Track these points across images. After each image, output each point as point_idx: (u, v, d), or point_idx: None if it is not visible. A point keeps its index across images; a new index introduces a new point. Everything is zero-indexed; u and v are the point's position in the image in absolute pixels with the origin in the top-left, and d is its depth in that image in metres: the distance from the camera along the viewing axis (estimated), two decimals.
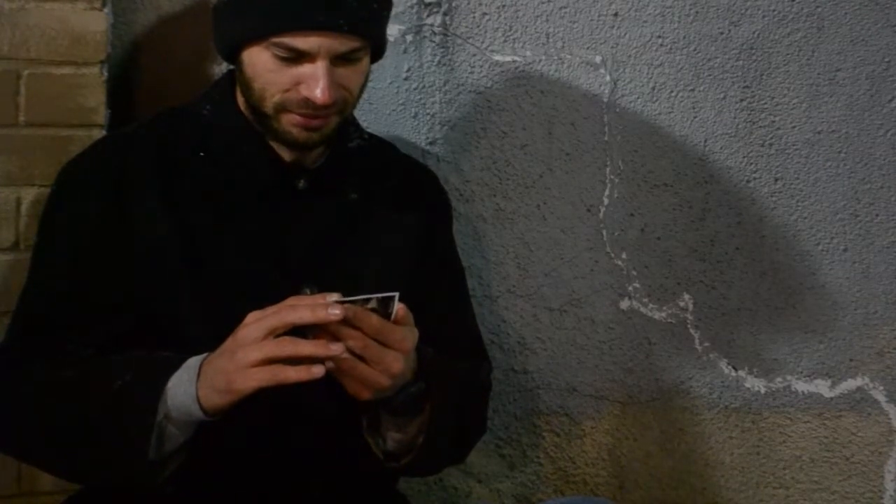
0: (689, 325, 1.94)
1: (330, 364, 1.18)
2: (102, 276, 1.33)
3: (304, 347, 1.17)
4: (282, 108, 1.33)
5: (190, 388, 1.21)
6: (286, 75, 1.31)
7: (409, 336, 1.25)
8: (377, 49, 1.39)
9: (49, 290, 1.35)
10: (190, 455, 1.27)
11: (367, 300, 1.20)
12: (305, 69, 1.30)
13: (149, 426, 1.21)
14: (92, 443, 1.24)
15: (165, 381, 1.22)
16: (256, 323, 1.19)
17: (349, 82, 1.34)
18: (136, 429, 1.21)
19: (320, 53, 1.29)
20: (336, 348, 1.17)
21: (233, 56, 1.36)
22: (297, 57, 1.30)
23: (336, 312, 1.17)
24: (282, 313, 1.18)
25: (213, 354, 1.22)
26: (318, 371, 1.16)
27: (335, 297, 1.19)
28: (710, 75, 1.92)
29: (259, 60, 1.31)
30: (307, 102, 1.31)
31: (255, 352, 1.17)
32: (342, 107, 1.35)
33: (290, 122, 1.34)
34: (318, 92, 1.29)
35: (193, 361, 1.23)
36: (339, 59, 1.31)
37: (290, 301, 1.20)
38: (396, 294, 1.22)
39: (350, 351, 1.20)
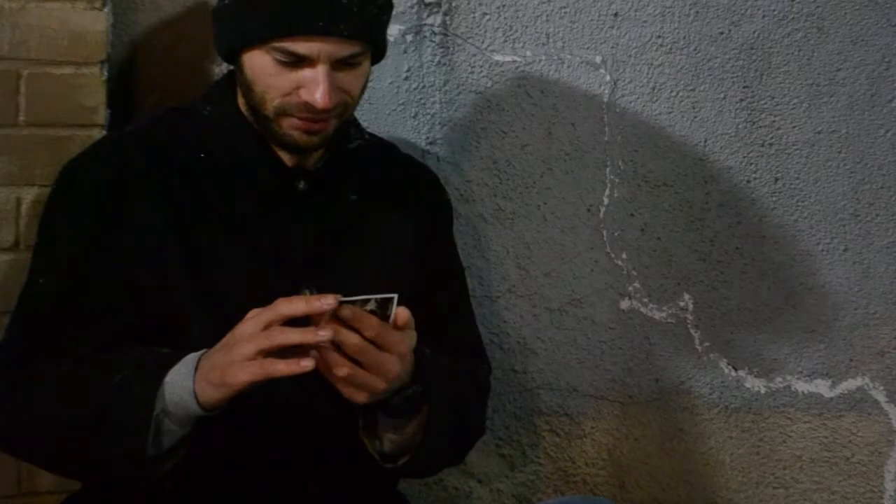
0: (689, 325, 1.94)
1: (315, 353, 1.18)
2: (102, 276, 1.33)
3: (293, 335, 1.16)
4: (282, 112, 1.33)
5: (187, 381, 1.21)
6: (286, 79, 1.31)
7: (406, 339, 1.25)
8: (378, 52, 1.39)
9: (49, 289, 1.35)
10: (188, 453, 1.27)
11: (366, 301, 1.20)
12: (306, 73, 1.30)
13: (146, 420, 1.21)
14: (91, 438, 1.24)
15: (163, 375, 1.22)
16: (253, 318, 1.19)
17: (349, 86, 1.34)
18: (133, 423, 1.21)
19: (321, 58, 1.29)
20: (324, 334, 1.16)
21: (233, 58, 1.36)
22: (298, 61, 1.30)
23: (329, 302, 1.16)
24: (277, 306, 1.18)
25: (212, 349, 1.22)
26: (307, 364, 1.15)
27: (333, 298, 1.18)
28: (710, 75, 1.92)
29: (259, 64, 1.31)
30: (307, 106, 1.31)
31: (249, 345, 1.17)
32: (342, 110, 1.35)
33: (290, 126, 1.34)
34: (319, 96, 1.29)
35: (192, 356, 1.24)
36: (339, 64, 1.31)
37: (285, 308, 1.20)
38: (395, 296, 1.22)
39: (345, 354, 1.20)
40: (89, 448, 1.25)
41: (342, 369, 1.19)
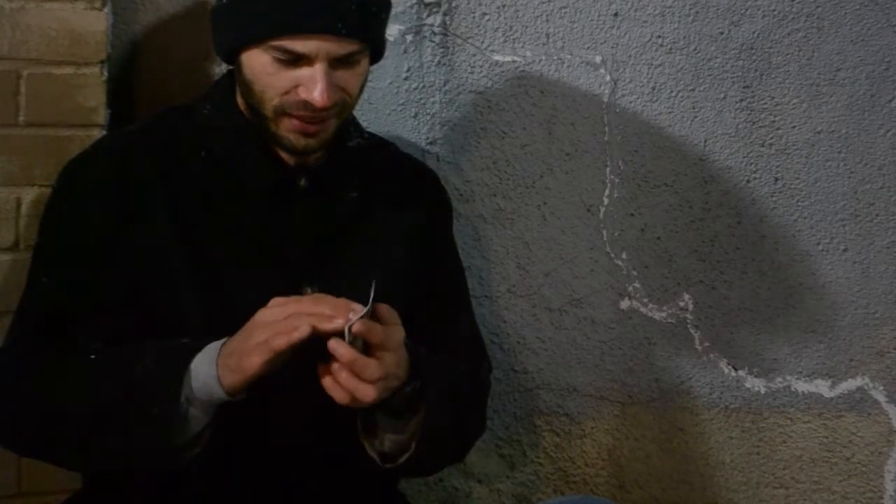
0: (689, 325, 1.94)
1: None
2: (105, 276, 1.34)
3: (306, 324, 1.19)
4: (281, 112, 1.33)
5: (211, 368, 1.22)
6: (285, 78, 1.31)
7: (396, 334, 1.26)
8: (376, 51, 1.39)
9: (52, 289, 1.35)
10: (210, 442, 1.28)
11: (368, 311, 1.22)
12: (304, 72, 1.30)
13: (174, 407, 1.22)
14: (116, 428, 1.24)
15: (188, 363, 1.23)
16: (275, 307, 1.21)
17: (348, 85, 1.34)
18: (160, 411, 1.22)
19: (319, 56, 1.29)
20: (340, 322, 1.18)
21: (232, 58, 1.36)
22: (296, 60, 1.30)
23: (352, 319, 1.19)
24: (303, 300, 1.22)
25: (234, 336, 1.24)
26: (303, 329, 1.17)
27: (355, 315, 1.20)
28: (710, 75, 1.92)
29: (258, 63, 1.31)
30: (306, 105, 1.31)
31: (264, 331, 1.19)
32: (341, 109, 1.35)
33: (288, 128, 1.34)
34: (317, 94, 1.29)
35: (215, 343, 1.25)
36: (337, 62, 1.31)
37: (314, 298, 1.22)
38: (373, 282, 1.23)
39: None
40: (114, 438, 1.25)
41: (369, 396, 1.20)
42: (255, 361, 1.19)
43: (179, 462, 1.26)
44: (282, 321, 1.20)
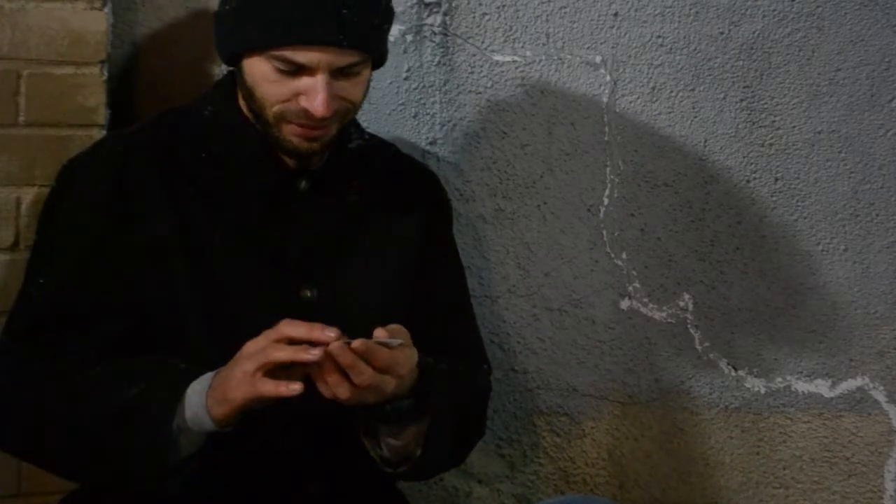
0: (689, 325, 1.94)
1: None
2: (104, 277, 1.33)
3: (284, 352, 1.18)
4: (282, 118, 1.33)
5: (201, 398, 1.22)
6: (286, 87, 1.31)
7: (408, 360, 1.26)
8: (378, 60, 1.39)
9: (49, 290, 1.34)
10: (199, 469, 1.27)
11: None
12: (305, 82, 1.30)
13: (164, 434, 1.21)
14: (106, 448, 1.24)
15: (182, 391, 1.23)
16: (259, 337, 1.20)
17: (349, 94, 1.34)
18: (150, 439, 1.22)
19: (320, 67, 1.29)
20: (316, 353, 1.18)
21: (234, 63, 1.36)
22: (297, 70, 1.30)
23: (330, 335, 1.18)
24: (280, 325, 1.20)
25: (226, 366, 1.23)
26: (294, 388, 1.17)
27: (334, 331, 1.20)
28: (710, 75, 1.92)
29: (259, 71, 1.31)
30: (306, 114, 1.31)
31: (249, 363, 1.19)
32: (342, 116, 1.35)
33: (289, 133, 1.34)
34: (317, 104, 1.29)
35: (210, 374, 1.24)
36: (338, 73, 1.31)
37: (287, 328, 1.20)
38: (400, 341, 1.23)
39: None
40: (104, 457, 1.25)
41: (344, 392, 1.21)
42: (238, 395, 1.19)
43: (167, 486, 1.25)
44: (262, 353, 1.18)
